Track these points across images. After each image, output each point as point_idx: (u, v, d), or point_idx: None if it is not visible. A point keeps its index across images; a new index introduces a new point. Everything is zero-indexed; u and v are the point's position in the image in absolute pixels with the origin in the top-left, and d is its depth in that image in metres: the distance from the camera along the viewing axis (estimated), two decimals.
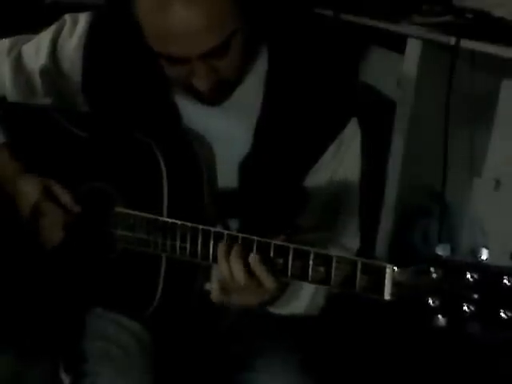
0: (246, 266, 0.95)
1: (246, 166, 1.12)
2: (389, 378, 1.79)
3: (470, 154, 2.24)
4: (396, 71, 2.12)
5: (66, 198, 1.13)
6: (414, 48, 2.01)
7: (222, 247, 0.98)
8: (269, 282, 0.95)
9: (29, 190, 1.14)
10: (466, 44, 1.85)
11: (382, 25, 2.08)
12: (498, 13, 1.88)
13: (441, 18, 1.97)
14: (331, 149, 1.12)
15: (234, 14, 0.95)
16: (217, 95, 1.06)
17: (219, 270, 0.98)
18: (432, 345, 1.83)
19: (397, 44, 2.10)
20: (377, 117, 1.16)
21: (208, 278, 1.21)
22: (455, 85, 1.93)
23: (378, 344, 1.88)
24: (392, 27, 2.06)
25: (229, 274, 0.97)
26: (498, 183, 2.26)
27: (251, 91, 1.11)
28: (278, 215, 1.14)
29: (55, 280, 1.18)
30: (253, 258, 0.95)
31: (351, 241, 1.19)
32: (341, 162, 1.15)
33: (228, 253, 0.97)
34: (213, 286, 1.01)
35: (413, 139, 2.10)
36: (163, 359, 1.18)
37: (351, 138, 1.14)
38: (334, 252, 0.93)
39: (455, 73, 1.92)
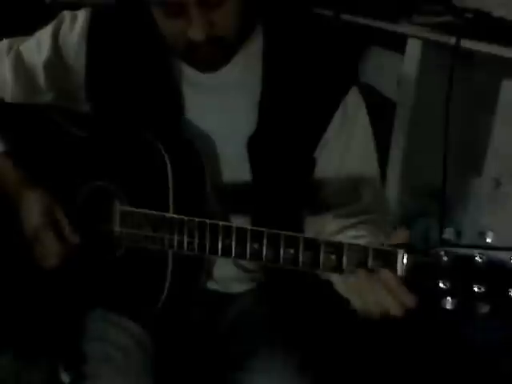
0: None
1: (255, 145, 1.12)
2: (388, 380, 1.78)
3: (470, 154, 2.24)
4: (396, 71, 2.13)
5: (66, 227, 1.12)
6: (413, 48, 2.01)
7: (363, 273, 0.90)
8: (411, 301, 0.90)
9: (32, 210, 1.13)
10: (466, 44, 1.85)
11: (382, 25, 2.08)
12: (497, 13, 1.88)
13: (441, 18, 1.97)
14: (337, 115, 1.13)
15: None
16: (214, 55, 1.06)
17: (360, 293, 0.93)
18: (431, 347, 1.83)
19: (397, 44, 2.11)
20: (377, 117, 1.16)
21: (209, 277, 1.22)
22: (455, 85, 1.93)
23: (377, 347, 1.88)
24: (392, 27, 2.06)
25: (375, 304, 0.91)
26: (497, 183, 2.25)
27: (248, 67, 1.12)
28: (292, 202, 1.14)
29: (57, 280, 1.18)
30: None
31: (382, 213, 1.18)
32: (351, 134, 1.15)
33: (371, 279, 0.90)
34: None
35: (413, 139, 2.10)
36: (162, 360, 1.18)
37: (356, 107, 1.15)
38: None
39: (455, 73, 1.92)
